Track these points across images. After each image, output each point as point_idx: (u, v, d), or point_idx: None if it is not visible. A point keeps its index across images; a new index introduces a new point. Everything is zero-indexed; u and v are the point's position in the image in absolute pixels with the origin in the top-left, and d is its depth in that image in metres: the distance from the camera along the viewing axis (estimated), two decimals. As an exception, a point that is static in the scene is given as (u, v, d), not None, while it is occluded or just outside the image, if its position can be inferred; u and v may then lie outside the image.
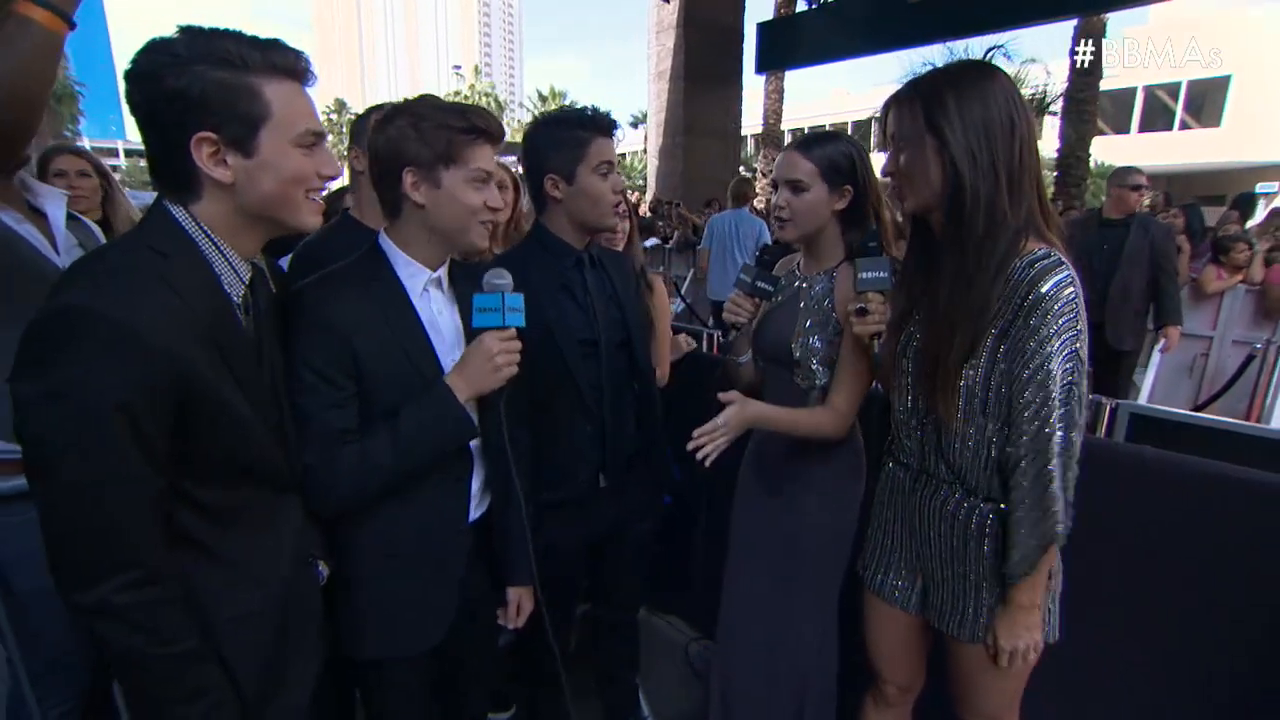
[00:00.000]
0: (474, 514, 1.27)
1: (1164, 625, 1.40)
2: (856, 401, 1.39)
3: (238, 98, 0.83)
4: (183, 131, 0.82)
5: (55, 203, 1.31)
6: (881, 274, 1.24)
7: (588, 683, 1.95)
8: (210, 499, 0.90)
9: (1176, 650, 1.39)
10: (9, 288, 1.17)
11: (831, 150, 1.37)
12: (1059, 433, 1.03)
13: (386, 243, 1.16)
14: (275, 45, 0.87)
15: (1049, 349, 1.01)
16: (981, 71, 1.08)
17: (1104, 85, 10.62)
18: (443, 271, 1.20)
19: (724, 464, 1.70)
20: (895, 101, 1.12)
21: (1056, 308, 1.00)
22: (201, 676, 0.87)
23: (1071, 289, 1.01)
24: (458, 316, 1.23)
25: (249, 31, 0.86)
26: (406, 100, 1.16)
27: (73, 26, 0.93)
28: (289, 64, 0.87)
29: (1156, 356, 4.26)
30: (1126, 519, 1.42)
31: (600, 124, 1.42)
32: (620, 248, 1.92)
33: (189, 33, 0.83)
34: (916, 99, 1.08)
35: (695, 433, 1.25)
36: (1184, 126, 20.48)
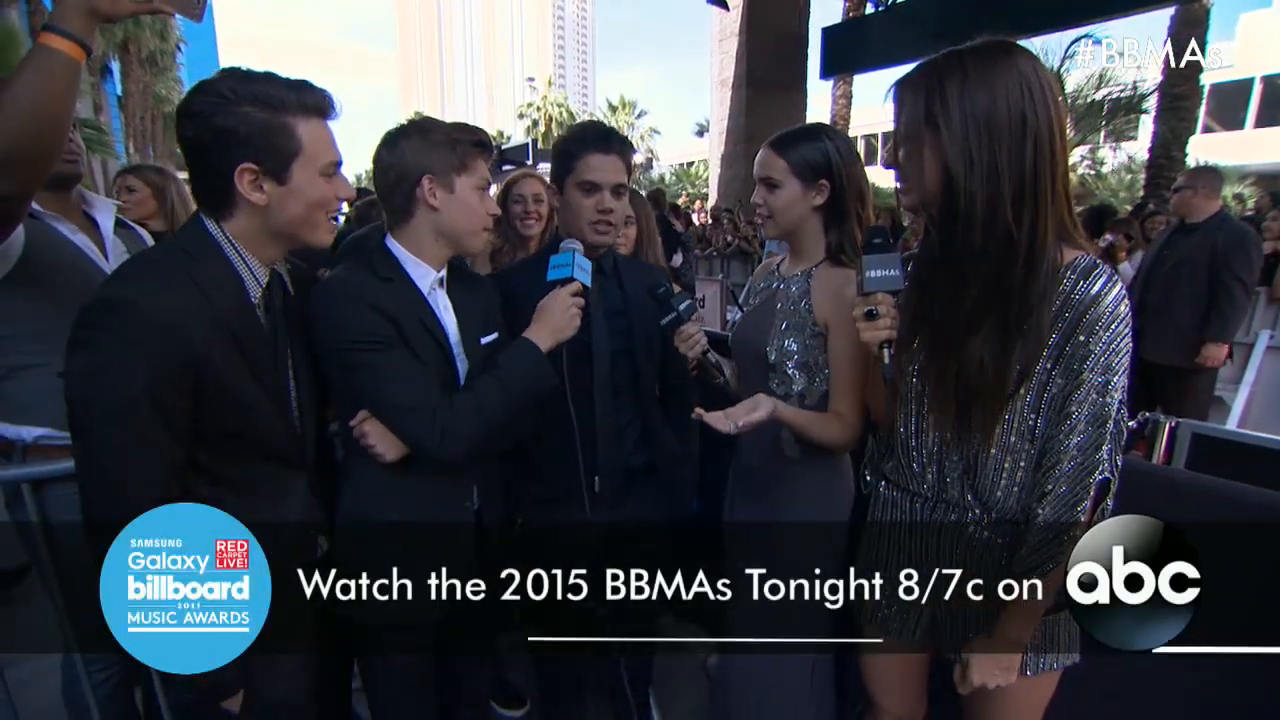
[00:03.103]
0: (477, 500, 1.32)
1: (1197, 663, 1.28)
2: (863, 407, 1.33)
3: (276, 135, 0.99)
4: (228, 162, 0.97)
5: (105, 213, 1.48)
6: (892, 272, 1.07)
7: (599, 683, 1.97)
8: (223, 470, 1.03)
9: (1204, 678, 1.27)
10: (63, 289, 1.32)
11: (805, 147, 1.35)
12: (1107, 460, 0.96)
13: (395, 246, 1.26)
14: (305, 87, 1.02)
15: (1107, 371, 0.94)
16: (997, 56, 0.94)
17: (1212, 78, 9.76)
18: (444, 274, 1.29)
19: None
20: (900, 86, 1.02)
21: (1116, 326, 0.93)
22: None
23: (1126, 304, 0.94)
24: (456, 318, 1.30)
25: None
26: (410, 121, 1.27)
27: (89, 54, 1.05)
28: (317, 103, 1.03)
29: (1250, 374, 3.88)
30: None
31: (592, 141, 1.45)
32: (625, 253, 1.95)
33: (233, 77, 0.99)
34: (920, 87, 0.98)
35: (727, 412, 1.21)
36: (1313, 119, 18.51)
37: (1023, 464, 1.03)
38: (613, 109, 44.06)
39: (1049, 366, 0.98)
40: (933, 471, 1.12)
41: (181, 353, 0.93)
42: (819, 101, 11.99)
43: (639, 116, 44.13)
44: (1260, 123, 19.12)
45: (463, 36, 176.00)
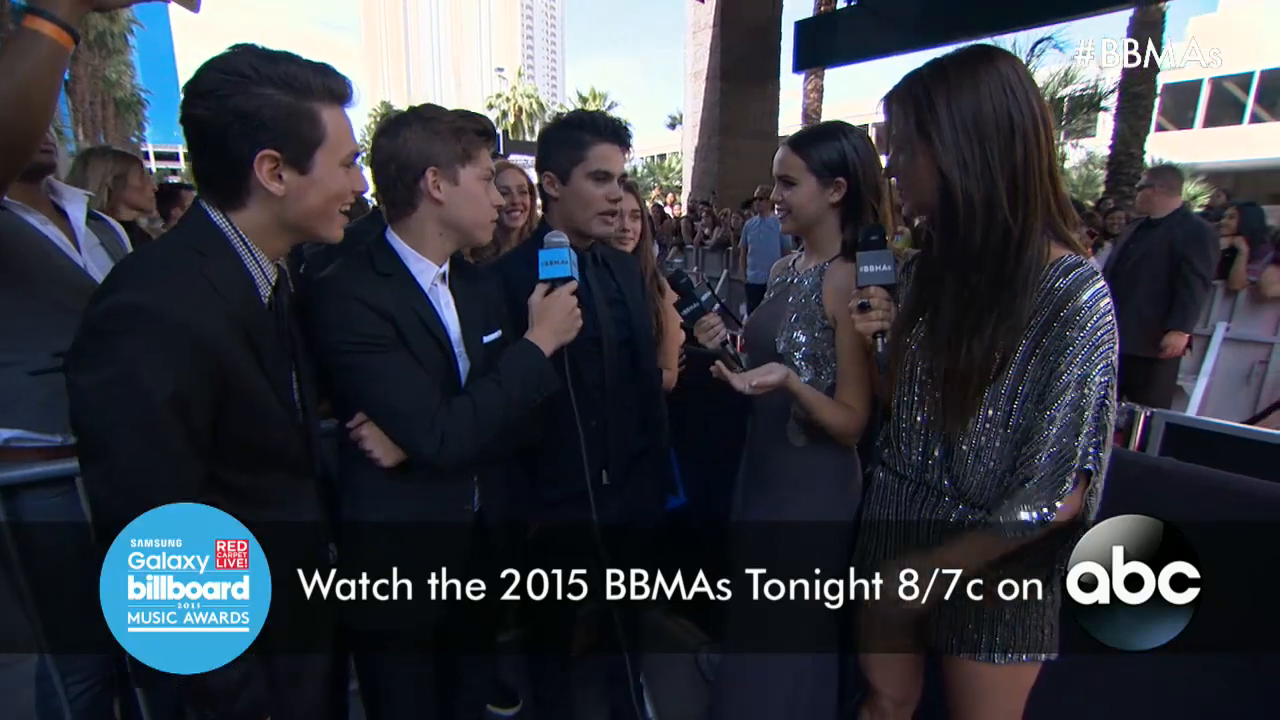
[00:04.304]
0: (477, 503, 1.30)
1: (1175, 650, 1.33)
2: (869, 400, 1.36)
3: (301, 121, 0.92)
4: (249, 148, 0.90)
5: (76, 204, 1.40)
6: (884, 268, 1.17)
7: (593, 681, 1.97)
8: (238, 483, 0.97)
9: (1190, 675, 1.31)
10: (34, 284, 1.26)
11: (821, 145, 1.38)
12: (1090, 450, 0.98)
13: (395, 240, 1.22)
14: (329, 71, 0.96)
15: (1086, 363, 0.96)
16: (978, 61, 1.00)
17: (1165, 79, 10.09)
18: (446, 268, 1.25)
19: (731, 466, 1.71)
20: (889, 100, 1.07)
21: (1095, 320, 0.96)
22: None
23: (1107, 300, 0.97)
24: (457, 315, 1.27)
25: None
26: (411, 109, 1.22)
27: (76, 40, 0.99)
28: (340, 90, 0.97)
29: (1209, 363, 4.05)
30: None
31: (605, 130, 1.43)
32: (629, 249, 1.93)
33: (252, 54, 0.91)
34: (908, 97, 1.03)
35: (744, 374, 1.26)
36: (1255, 119, 19.32)
37: (997, 448, 1.06)
38: (583, 100, 43.71)
39: (1027, 357, 1.01)
40: (918, 454, 1.16)
41: (204, 360, 0.86)
42: (791, 95, 12.04)
43: (610, 108, 43.86)
44: (1208, 123, 19.90)
45: (429, 25, 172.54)
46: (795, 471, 1.44)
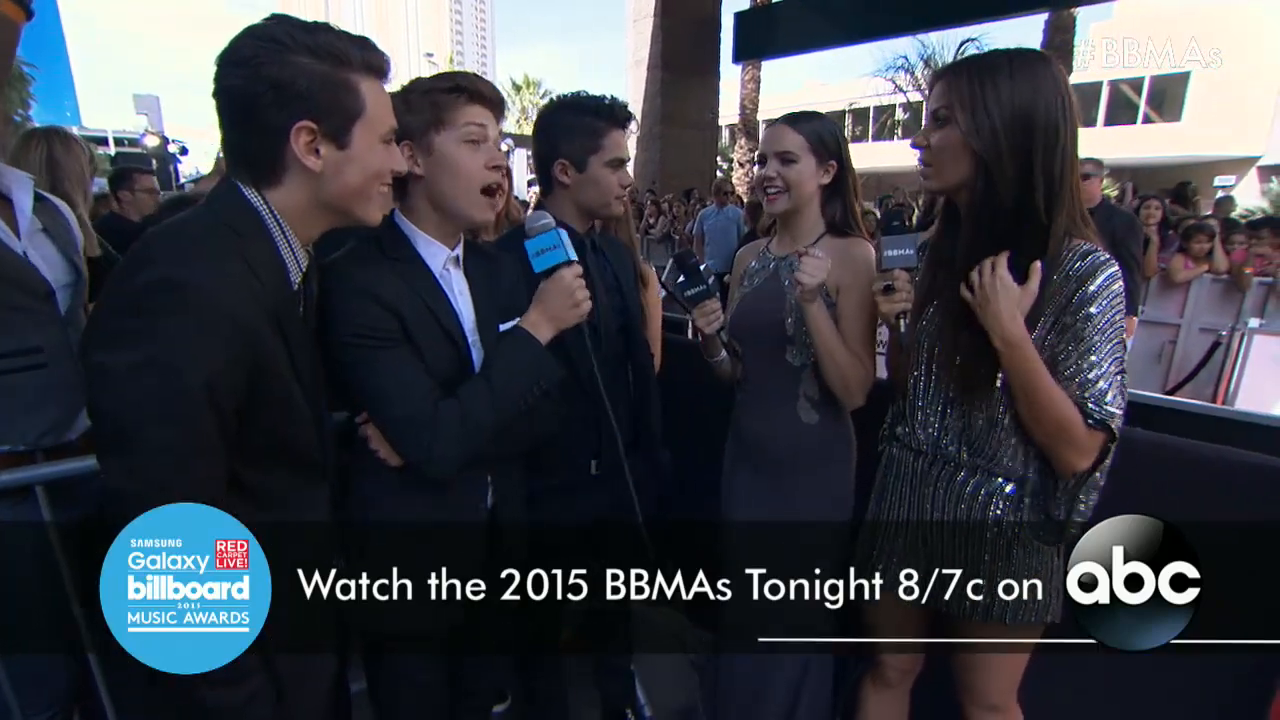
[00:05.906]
0: (490, 501, 1.25)
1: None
2: (874, 357, 1.42)
3: (339, 92, 0.87)
4: (285, 119, 0.84)
5: (21, 187, 1.26)
6: (908, 251, 1.19)
7: (585, 672, 1.95)
8: (252, 481, 0.91)
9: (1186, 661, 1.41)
10: None
11: (818, 125, 1.42)
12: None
13: (402, 221, 1.16)
14: (369, 44, 0.91)
15: (1100, 341, 1.03)
16: (1036, 63, 1.05)
17: (1072, 79, 10.81)
18: (459, 251, 1.19)
19: (715, 449, 1.71)
20: (942, 77, 1.11)
21: (1109, 300, 1.03)
22: (245, 658, 0.85)
23: (1119, 284, 1.04)
24: (472, 302, 1.22)
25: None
26: (402, 87, 1.15)
27: (30, 16, 0.90)
28: (380, 63, 0.92)
29: (1128, 344, 4.38)
30: (1121, 502, 1.43)
31: (619, 118, 1.43)
32: (611, 232, 1.91)
33: (289, 24, 0.86)
34: (963, 81, 1.06)
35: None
36: (1147, 120, 21.01)
37: (1008, 419, 1.13)
38: (516, 88, 42.71)
39: (1046, 333, 1.07)
40: (934, 428, 1.22)
41: (245, 347, 0.81)
42: (728, 86, 12.24)
43: (544, 96, 43.10)
44: (1108, 122, 21.49)
45: (352, 7, 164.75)
46: (805, 449, 1.47)
